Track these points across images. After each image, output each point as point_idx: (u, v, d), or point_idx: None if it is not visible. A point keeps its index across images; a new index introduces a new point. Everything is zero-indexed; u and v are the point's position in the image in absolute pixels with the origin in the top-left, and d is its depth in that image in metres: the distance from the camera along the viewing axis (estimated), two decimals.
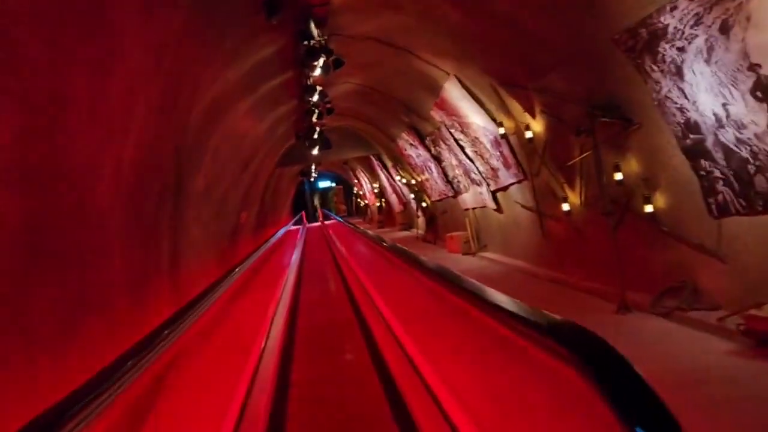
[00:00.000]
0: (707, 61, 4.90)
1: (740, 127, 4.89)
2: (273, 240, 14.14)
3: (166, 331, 3.74)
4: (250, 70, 8.16)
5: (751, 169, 4.95)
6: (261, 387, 5.03)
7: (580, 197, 7.76)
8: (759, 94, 4.53)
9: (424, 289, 5.64)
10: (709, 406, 3.77)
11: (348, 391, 4.95)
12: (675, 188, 6.14)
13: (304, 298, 10.14)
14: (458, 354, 4.41)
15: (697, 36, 4.83)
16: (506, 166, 9.88)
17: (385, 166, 22.37)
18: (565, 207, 8.06)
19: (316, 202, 45.29)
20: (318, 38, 7.53)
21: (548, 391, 2.03)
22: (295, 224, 29.19)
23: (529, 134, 8.33)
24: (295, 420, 4.44)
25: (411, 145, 15.55)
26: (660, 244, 6.53)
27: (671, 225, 6.30)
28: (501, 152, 9.77)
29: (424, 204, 18.67)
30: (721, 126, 5.11)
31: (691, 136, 5.52)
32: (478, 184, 12.16)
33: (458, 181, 13.70)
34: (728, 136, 5.08)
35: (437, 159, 14.29)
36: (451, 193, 14.83)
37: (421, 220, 19.81)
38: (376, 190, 28.82)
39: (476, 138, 10.57)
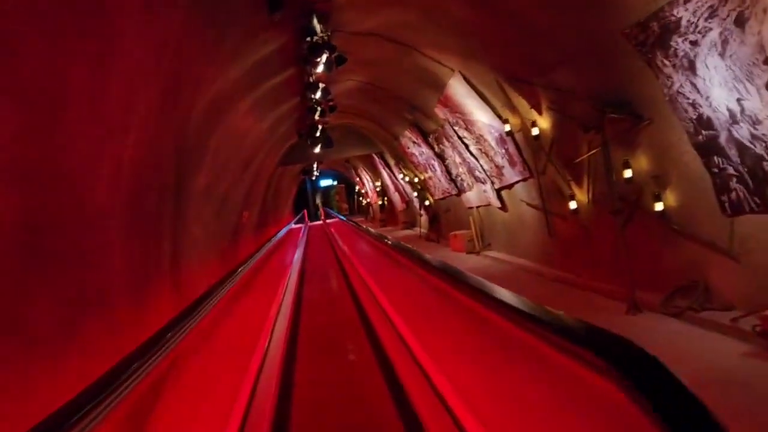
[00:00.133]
0: (721, 55, 4.77)
1: (755, 122, 4.76)
2: (275, 239, 14.03)
3: (168, 334, 3.64)
4: (252, 68, 8.04)
5: (766, 165, 4.83)
6: (264, 389, 4.93)
7: (588, 195, 7.64)
8: None
9: (429, 288, 5.54)
10: (732, 412, 3.64)
11: (353, 394, 4.84)
12: (686, 186, 6.02)
13: (307, 297, 10.03)
14: (463, 354, 4.30)
15: (711, 29, 4.71)
16: (511, 163, 9.75)
17: (387, 165, 22.25)
18: (573, 205, 7.93)
19: (318, 200, 45.19)
20: (321, 34, 7.41)
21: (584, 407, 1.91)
22: (296, 223, 29.09)
23: (535, 131, 8.20)
24: (299, 423, 4.33)
25: (414, 143, 15.43)
26: (670, 242, 6.41)
27: (682, 223, 6.18)
28: (506, 150, 9.65)
29: (427, 202, 18.55)
30: (735, 122, 4.98)
31: (704, 132, 5.39)
32: (482, 182, 12.03)
33: (462, 180, 13.58)
34: (742, 132, 4.95)
35: (441, 157, 14.16)
36: (454, 192, 14.71)
37: (423, 219, 19.70)
38: (378, 189, 28.71)
39: (481, 135, 10.44)
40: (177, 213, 7.08)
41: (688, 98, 5.36)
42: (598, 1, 5.73)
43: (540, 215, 9.48)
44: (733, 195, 5.37)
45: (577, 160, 7.48)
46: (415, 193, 19.50)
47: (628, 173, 6.58)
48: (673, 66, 5.31)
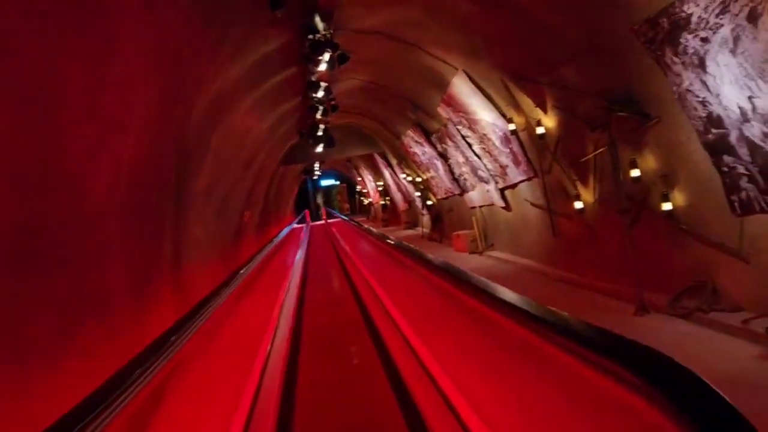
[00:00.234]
0: (733, 52, 4.67)
1: (767, 121, 4.67)
2: (277, 239, 13.94)
3: (172, 338, 3.57)
4: (253, 66, 7.96)
5: None
6: (267, 391, 4.86)
7: (594, 195, 7.54)
8: None
9: (433, 288, 5.46)
10: (747, 416, 3.55)
11: (357, 396, 4.76)
12: (695, 185, 5.92)
13: (309, 298, 9.95)
14: (468, 354, 4.22)
15: (722, 25, 4.61)
16: (516, 163, 9.66)
17: (389, 164, 22.16)
18: (578, 205, 7.84)
19: (320, 200, 45.11)
20: (323, 32, 7.32)
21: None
22: (298, 223, 29.02)
23: (540, 130, 8.11)
24: (302, 423, 4.26)
25: (416, 142, 15.34)
26: (678, 242, 6.32)
27: (690, 223, 6.08)
28: (510, 149, 9.55)
29: (429, 202, 18.45)
30: (746, 120, 4.88)
31: (714, 130, 5.30)
32: (485, 182, 11.94)
33: (465, 179, 13.49)
34: (754, 130, 4.85)
35: (443, 156, 14.07)
36: (457, 191, 14.62)
37: (426, 219, 19.61)
38: (380, 189, 28.62)
39: (484, 135, 10.35)
40: (178, 213, 7.00)
41: (697, 96, 5.26)
42: None
43: (544, 215, 9.39)
44: (743, 194, 5.27)
45: (583, 159, 7.39)
46: (418, 193, 19.40)
47: (635, 172, 6.49)
48: (683, 63, 5.21)
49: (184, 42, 5.58)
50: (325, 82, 10.00)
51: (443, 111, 11.45)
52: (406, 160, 18.42)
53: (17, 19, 2.82)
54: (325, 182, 45.19)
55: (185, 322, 4.04)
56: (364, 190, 36.69)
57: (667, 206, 6.21)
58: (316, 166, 26.52)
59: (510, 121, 8.99)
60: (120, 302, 4.86)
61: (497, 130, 9.69)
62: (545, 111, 7.94)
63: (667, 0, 4.95)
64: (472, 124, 10.62)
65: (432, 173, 16.14)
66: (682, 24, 4.94)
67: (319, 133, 13.78)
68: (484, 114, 9.76)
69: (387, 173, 24.08)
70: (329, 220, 31.22)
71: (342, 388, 5.05)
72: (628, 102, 6.19)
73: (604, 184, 7.26)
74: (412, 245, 7.22)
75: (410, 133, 15.24)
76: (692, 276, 6.14)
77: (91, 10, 3.56)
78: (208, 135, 7.84)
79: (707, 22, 4.71)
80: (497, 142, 9.98)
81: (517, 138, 9.12)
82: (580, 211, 7.88)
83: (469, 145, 11.53)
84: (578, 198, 7.84)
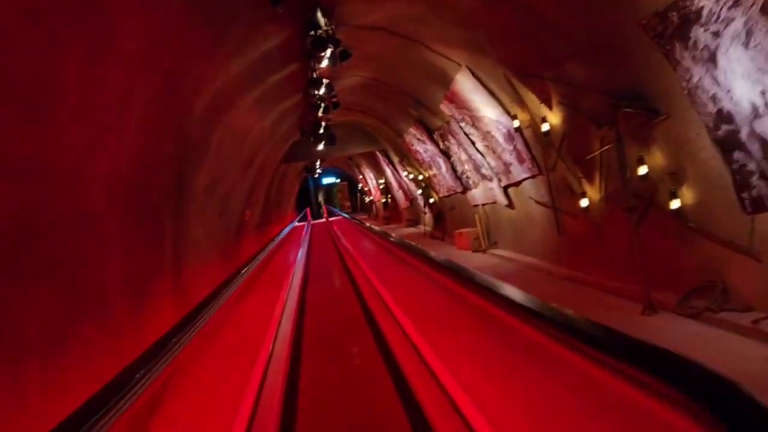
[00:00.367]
0: (745, 46, 4.56)
1: None
2: (278, 238, 13.87)
3: (173, 339, 3.49)
4: (254, 63, 7.86)
5: None
6: (270, 391, 4.77)
7: (600, 192, 7.44)
8: None
9: (437, 287, 5.39)
10: None
11: (359, 396, 4.67)
12: (704, 182, 5.81)
13: (311, 297, 9.86)
14: (473, 353, 4.13)
15: (734, 19, 4.50)
16: (520, 160, 9.55)
17: (391, 162, 22.05)
18: (584, 202, 7.73)
19: (321, 198, 45.03)
20: (325, 28, 7.22)
21: None
22: (299, 221, 28.97)
23: (545, 127, 7.99)
24: (305, 422, 4.18)
25: (419, 140, 15.23)
26: (686, 241, 6.21)
27: (699, 221, 5.98)
28: (514, 146, 9.45)
29: (431, 200, 18.34)
30: (757, 116, 4.77)
31: (724, 126, 5.19)
32: (488, 180, 11.83)
33: (467, 177, 13.38)
34: (765, 126, 4.75)
35: (446, 154, 13.96)
36: (459, 189, 14.51)
37: (428, 217, 19.50)
38: (381, 187, 28.51)
39: (488, 132, 10.23)
40: (178, 212, 6.91)
41: (707, 92, 5.15)
42: None
43: (549, 213, 9.29)
44: (754, 192, 5.16)
45: (589, 157, 7.28)
46: (420, 191, 19.29)
47: (642, 170, 6.38)
48: (693, 58, 5.10)
49: (184, 39, 5.48)
50: (327, 78, 9.89)
51: (446, 108, 11.34)
52: (408, 157, 18.31)
53: (10, 13, 2.72)
54: (326, 180, 45.10)
55: (186, 323, 3.96)
56: (366, 188, 36.59)
57: (675, 204, 6.10)
58: (318, 164, 26.41)
59: (514, 117, 8.88)
60: (119, 303, 4.77)
61: (501, 127, 9.58)
62: (550, 107, 7.83)
63: None
64: (475, 121, 10.51)
65: (434, 171, 16.03)
66: (693, 18, 4.83)
67: (321, 131, 13.67)
68: (488, 111, 9.65)
69: (388, 171, 23.97)
70: (330, 219, 31.16)
71: (344, 389, 4.96)
72: (635, 98, 6.08)
73: (611, 181, 7.16)
74: (413, 243, 7.14)
75: (412, 130, 15.13)
76: (701, 275, 6.03)
77: (87, 6, 3.46)
78: (209, 133, 7.75)
79: (718, 16, 4.60)
80: (501, 140, 9.88)
81: (522, 135, 9.01)
82: (586, 208, 7.77)
83: (472, 143, 11.42)
84: (584, 195, 7.73)
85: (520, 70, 7.95)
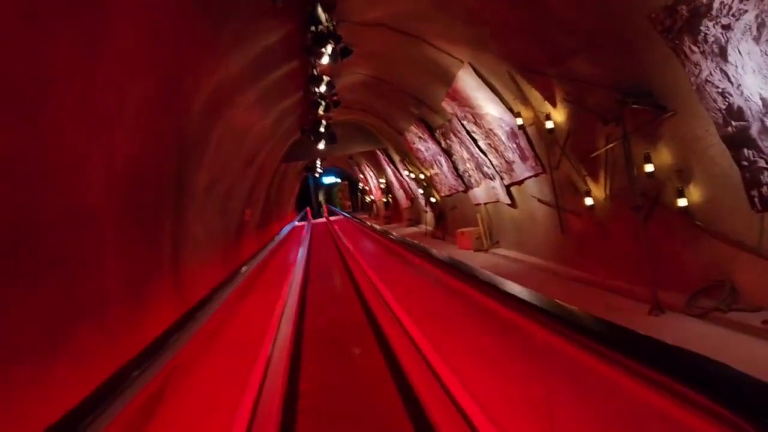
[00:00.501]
0: (756, 40, 4.45)
1: None
2: (278, 238, 13.76)
3: (171, 338, 3.38)
4: (254, 60, 7.75)
5: None
6: (269, 395, 4.67)
7: (605, 191, 7.32)
8: None
9: (440, 286, 5.27)
10: None
11: (362, 401, 4.56)
12: (712, 180, 5.70)
13: (311, 297, 9.77)
14: (480, 356, 4.02)
15: (746, 11, 4.39)
16: (523, 158, 9.44)
17: (392, 161, 21.94)
18: (588, 201, 7.62)
19: (321, 198, 44.96)
20: (326, 24, 7.10)
21: None
22: (300, 221, 28.89)
23: (549, 124, 7.88)
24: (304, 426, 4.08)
25: (420, 138, 15.12)
26: (693, 240, 6.10)
27: (707, 220, 5.87)
28: (517, 144, 9.33)
29: (432, 199, 18.23)
30: None
31: (734, 123, 5.08)
32: (490, 178, 11.72)
33: (469, 176, 13.27)
34: None
35: (447, 152, 13.85)
36: (461, 188, 14.39)
37: (429, 216, 19.40)
38: (382, 186, 28.41)
39: (490, 130, 10.12)
40: (177, 212, 6.80)
41: (717, 87, 5.04)
42: None
43: (552, 212, 9.17)
44: (764, 189, 5.05)
45: (594, 154, 7.16)
46: (421, 190, 19.19)
47: (649, 167, 6.27)
48: (702, 53, 4.99)
49: (182, 33, 5.37)
50: (328, 76, 9.77)
51: (448, 106, 11.23)
52: (409, 156, 18.20)
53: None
54: (327, 180, 45.01)
55: (183, 323, 3.85)
56: (366, 188, 36.51)
57: (682, 202, 6.00)
58: (318, 163, 26.31)
59: (517, 115, 8.77)
60: (117, 304, 4.66)
61: (504, 125, 9.46)
62: (554, 104, 7.71)
63: None
64: (477, 118, 10.40)
65: (435, 170, 15.91)
66: (703, 11, 4.71)
67: (321, 130, 13.55)
68: (491, 108, 9.54)
69: (389, 170, 23.87)
70: (331, 218, 31.07)
71: (345, 392, 4.86)
72: (642, 94, 5.97)
73: (616, 179, 7.05)
74: (415, 241, 7.04)
75: (413, 128, 15.01)
76: (709, 274, 5.93)
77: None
78: (208, 131, 7.64)
79: (729, 8, 4.49)
80: (503, 138, 9.76)
81: (525, 133, 8.90)
82: (590, 207, 7.66)
83: (474, 141, 11.31)
84: (588, 194, 7.62)
85: (523, 66, 7.84)
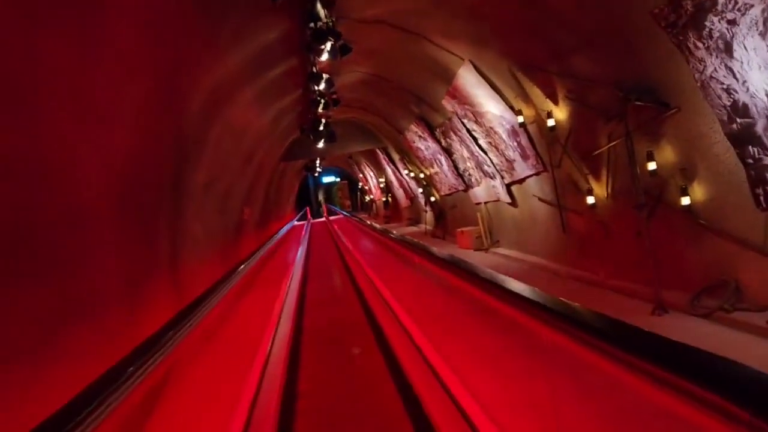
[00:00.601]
0: (763, 35, 4.38)
1: None
2: (277, 237, 13.69)
3: (168, 334, 3.30)
4: (253, 56, 7.67)
5: None
6: (267, 396, 4.60)
7: (607, 189, 7.25)
8: None
9: (441, 286, 5.20)
10: None
11: (362, 402, 4.49)
12: (716, 178, 5.63)
13: (310, 297, 9.70)
14: (483, 357, 3.95)
15: (752, 6, 4.32)
16: (524, 157, 9.36)
17: (391, 160, 21.87)
18: (590, 200, 7.54)
19: (321, 197, 44.89)
20: (325, 20, 7.03)
21: None
22: (299, 220, 28.82)
23: (551, 122, 7.81)
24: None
25: (420, 137, 15.04)
26: (697, 239, 6.03)
27: (710, 218, 5.79)
28: (518, 142, 9.25)
29: (432, 199, 18.16)
30: None
31: (739, 120, 5.00)
32: (491, 177, 11.65)
33: (469, 174, 13.19)
34: None
35: (447, 151, 13.77)
36: (461, 187, 14.32)
37: (429, 215, 19.33)
38: (382, 185, 28.34)
39: (491, 128, 10.05)
40: (176, 210, 6.73)
41: (722, 83, 4.97)
42: None
43: (553, 211, 9.10)
44: None
45: (596, 152, 7.09)
46: (420, 189, 19.12)
47: (652, 165, 6.19)
48: (707, 48, 4.92)
49: (181, 32, 5.30)
50: (327, 74, 9.70)
51: (448, 104, 11.15)
52: (408, 155, 18.13)
53: None
54: (326, 179, 44.96)
55: (179, 321, 3.78)
56: (366, 187, 36.45)
57: (685, 201, 5.92)
58: (318, 162, 26.24)
59: (518, 113, 8.69)
60: (116, 303, 4.59)
61: (504, 123, 9.39)
62: (556, 102, 7.64)
63: None
64: (478, 117, 10.32)
65: (435, 169, 15.84)
66: (708, 6, 4.64)
67: (320, 128, 13.47)
68: (491, 106, 9.47)
69: (389, 169, 23.79)
70: (331, 217, 31.01)
71: (345, 392, 4.79)
72: (645, 91, 5.90)
73: (618, 177, 6.97)
74: (415, 240, 6.97)
75: (413, 127, 14.94)
76: (712, 273, 5.85)
77: None
78: (207, 129, 7.56)
79: (735, 3, 4.42)
80: (504, 136, 9.69)
81: (526, 131, 8.82)
82: (592, 206, 7.59)
83: (475, 139, 11.23)
84: (590, 193, 7.55)
85: (524, 64, 7.77)
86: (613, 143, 6.68)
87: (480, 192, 13.02)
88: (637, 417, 2.09)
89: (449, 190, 15.66)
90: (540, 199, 9.53)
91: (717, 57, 4.87)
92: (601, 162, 7.20)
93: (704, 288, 5.93)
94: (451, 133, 12.57)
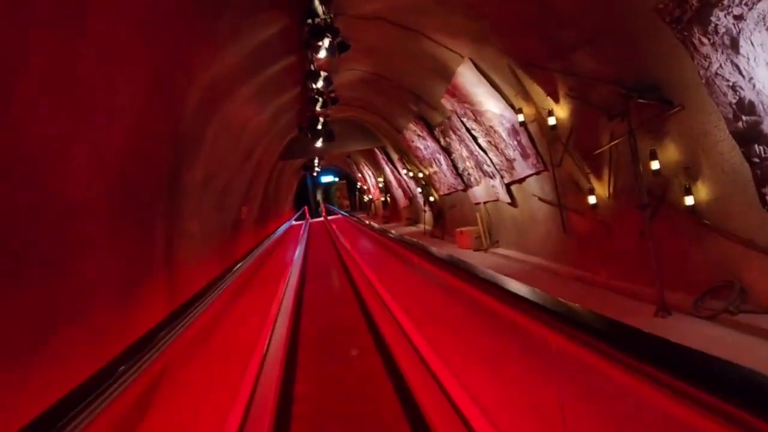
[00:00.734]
0: None
1: None
2: (275, 236, 13.59)
3: (160, 334, 3.19)
4: (251, 52, 7.57)
5: None
6: (263, 398, 4.50)
7: (609, 189, 7.16)
8: None
9: (440, 286, 5.11)
10: None
11: (360, 404, 4.40)
12: (721, 177, 5.54)
13: (308, 297, 9.60)
14: (482, 358, 3.86)
15: (760, 0, 4.22)
16: (524, 156, 9.27)
17: (390, 160, 21.77)
18: (591, 200, 7.45)
19: (319, 197, 44.80)
20: (323, 16, 6.93)
21: None
22: (297, 220, 28.71)
23: (552, 121, 7.71)
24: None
25: (419, 136, 14.94)
26: (701, 239, 5.94)
27: (715, 218, 5.70)
28: (518, 141, 9.16)
29: (431, 198, 18.07)
30: None
31: (745, 117, 4.91)
32: (490, 177, 11.55)
33: (469, 174, 13.10)
34: None
35: (447, 151, 13.68)
36: (461, 187, 14.22)
37: (428, 215, 19.24)
38: (380, 185, 28.24)
39: (491, 127, 9.95)
40: (172, 208, 6.62)
41: (727, 80, 4.88)
42: None
43: (553, 210, 9.01)
44: None
45: (598, 151, 7.00)
46: (419, 189, 19.02)
47: (655, 164, 6.10)
48: (712, 44, 4.82)
49: (177, 26, 5.19)
50: (325, 71, 9.59)
51: (447, 102, 11.05)
52: (407, 155, 18.04)
53: None
54: (324, 179, 44.88)
55: (171, 320, 3.67)
56: (365, 187, 36.36)
57: (689, 200, 5.83)
58: (316, 162, 26.15)
59: (519, 111, 8.59)
60: (104, 307, 4.48)
61: (504, 122, 9.29)
62: (557, 100, 7.55)
63: None
64: (477, 115, 10.23)
65: (434, 168, 15.74)
66: (714, 1, 4.55)
67: (319, 127, 13.36)
68: (491, 105, 9.37)
69: (388, 169, 23.70)
70: (329, 217, 30.91)
71: (343, 394, 4.69)
72: (648, 88, 5.80)
73: (620, 177, 6.88)
74: (414, 239, 6.88)
75: (412, 126, 14.84)
76: (717, 274, 5.76)
77: None
78: (204, 125, 7.46)
79: None
80: (504, 135, 9.59)
81: (526, 129, 8.72)
82: (594, 206, 7.49)
83: (474, 138, 11.14)
84: (591, 192, 7.45)
85: (525, 61, 7.67)
86: (615, 142, 6.59)
87: (479, 192, 12.92)
88: (637, 419, 2.00)
89: (448, 189, 15.57)
90: (540, 199, 9.43)
91: (723, 53, 4.77)
92: (603, 161, 7.10)
93: (708, 289, 5.84)
94: (451, 132, 12.47)
